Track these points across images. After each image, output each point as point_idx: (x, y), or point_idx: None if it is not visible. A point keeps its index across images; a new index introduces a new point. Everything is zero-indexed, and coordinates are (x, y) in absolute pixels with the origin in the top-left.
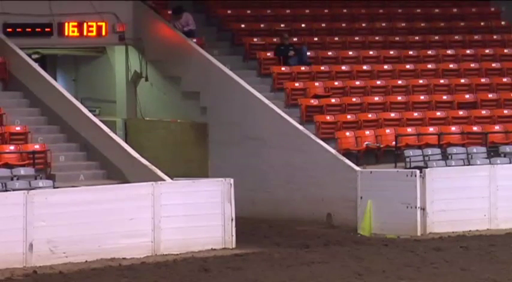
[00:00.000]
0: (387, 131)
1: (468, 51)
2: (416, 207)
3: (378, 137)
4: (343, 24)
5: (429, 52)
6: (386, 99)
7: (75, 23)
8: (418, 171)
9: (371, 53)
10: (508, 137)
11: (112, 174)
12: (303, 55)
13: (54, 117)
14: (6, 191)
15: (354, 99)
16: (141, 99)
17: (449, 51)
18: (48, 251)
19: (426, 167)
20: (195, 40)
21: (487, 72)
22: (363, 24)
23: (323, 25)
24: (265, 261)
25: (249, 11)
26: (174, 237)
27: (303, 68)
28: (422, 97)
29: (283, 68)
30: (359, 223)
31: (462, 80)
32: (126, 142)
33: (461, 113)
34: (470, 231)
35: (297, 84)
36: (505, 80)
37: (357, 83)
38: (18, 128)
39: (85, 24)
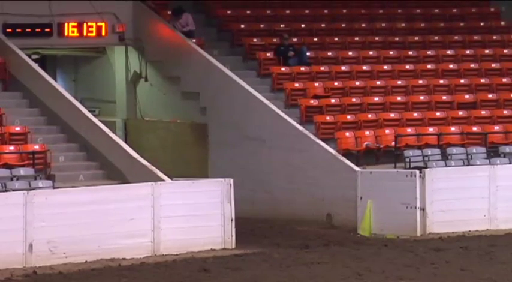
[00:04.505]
0: (387, 131)
1: (468, 52)
2: (416, 208)
3: (378, 137)
4: (343, 25)
5: (429, 52)
6: (386, 100)
7: (75, 23)
8: (417, 172)
9: (371, 53)
10: (507, 137)
11: (112, 175)
12: (303, 55)
13: (53, 118)
14: (6, 191)
15: (353, 100)
16: (140, 99)
17: (449, 52)
18: (48, 251)
19: (426, 168)
20: (194, 40)
21: (487, 72)
22: (363, 25)
23: (323, 25)
24: (265, 261)
25: (248, 11)
26: (174, 238)
27: (302, 69)
28: (422, 97)
29: (283, 69)
30: (359, 223)
31: (462, 81)
32: (125, 142)
33: (461, 113)
34: (470, 231)
35: (296, 85)
36: (504, 80)
37: (357, 83)
38: (18, 128)
39: (85, 25)
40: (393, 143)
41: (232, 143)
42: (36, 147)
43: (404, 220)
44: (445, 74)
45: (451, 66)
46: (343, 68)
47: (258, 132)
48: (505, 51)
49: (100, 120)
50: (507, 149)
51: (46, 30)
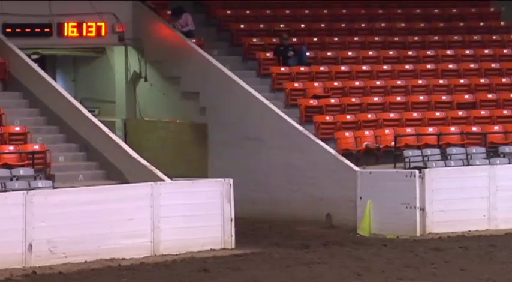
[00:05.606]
0: (386, 131)
1: (467, 52)
2: (415, 208)
3: (377, 137)
4: (343, 25)
5: (428, 52)
6: (386, 100)
7: (75, 24)
8: (417, 172)
9: (370, 53)
10: (507, 137)
11: (111, 175)
12: (303, 55)
13: (53, 118)
14: (6, 191)
15: (353, 100)
16: (140, 99)
17: (448, 52)
18: (47, 252)
19: (425, 168)
20: (194, 40)
21: (487, 72)
22: (362, 25)
23: (322, 25)
24: (265, 261)
25: (248, 11)
26: (174, 238)
27: (302, 69)
28: (421, 97)
29: (282, 69)
30: (358, 223)
31: (461, 81)
32: (125, 142)
33: (460, 113)
34: (469, 231)
35: (296, 85)
36: (504, 80)
37: (356, 83)
38: (17, 128)
39: (84, 25)
40: (393, 143)
41: (232, 143)
42: (36, 147)
43: (404, 220)
44: (444, 74)
45: (450, 66)
46: (342, 68)
47: (258, 132)
48: (505, 51)
49: (100, 120)
50: (507, 149)
51: (46, 30)
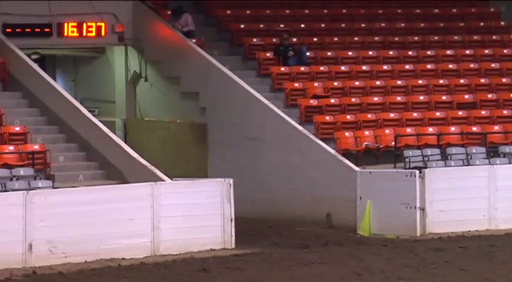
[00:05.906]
0: (386, 131)
1: (467, 52)
2: (415, 208)
3: (377, 137)
4: (343, 25)
5: (428, 52)
6: (386, 100)
7: (75, 24)
8: (417, 172)
9: (370, 53)
10: (507, 137)
11: (111, 175)
12: (303, 55)
13: (53, 118)
14: (6, 191)
15: (353, 100)
16: (140, 99)
17: (448, 52)
18: (47, 251)
19: (425, 168)
20: (194, 40)
21: (487, 72)
22: (362, 25)
23: (322, 25)
24: (265, 261)
25: (248, 11)
26: (174, 238)
27: (302, 69)
28: (421, 97)
29: (282, 69)
30: (358, 223)
31: (461, 81)
32: (125, 142)
33: (460, 113)
34: (469, 231)
35: (296, 85)
36: (504, 80)
37: (356, 83)
38: (17, 128)
39: (84, 25)
40: (393, 143)
41: (232, 143)
42: (36, 147)
43: (404, 220)
44: (444, 74)
45: (450, 66)
46: (342, 68)
47: (258, 132)
48: (505, 51)
49: (100, 120)
50: (507, 149)
51: (46, 30)
